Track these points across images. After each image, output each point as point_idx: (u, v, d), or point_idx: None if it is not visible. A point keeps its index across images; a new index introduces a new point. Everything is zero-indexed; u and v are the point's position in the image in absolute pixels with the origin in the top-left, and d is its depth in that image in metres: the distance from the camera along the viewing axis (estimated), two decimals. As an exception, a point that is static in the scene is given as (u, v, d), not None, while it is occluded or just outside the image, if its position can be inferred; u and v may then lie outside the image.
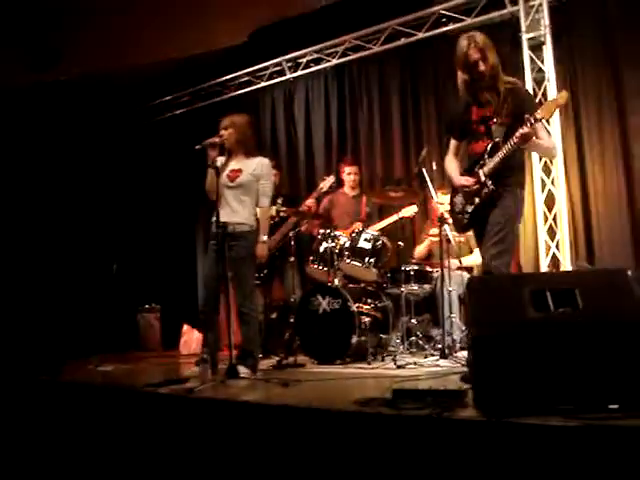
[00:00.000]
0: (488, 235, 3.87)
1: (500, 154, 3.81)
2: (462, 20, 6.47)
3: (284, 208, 6.34)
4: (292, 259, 5.93)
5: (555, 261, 5.94)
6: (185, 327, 7.66)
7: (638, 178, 5.67)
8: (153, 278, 8.79)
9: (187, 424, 3.72)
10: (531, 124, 3.64)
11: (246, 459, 3.28)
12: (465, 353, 5.13)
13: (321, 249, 5.79)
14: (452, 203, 4.27)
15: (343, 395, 3.74)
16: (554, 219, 5.96)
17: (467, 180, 4.04)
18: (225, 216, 4.77)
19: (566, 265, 5.81)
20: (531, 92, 5.53)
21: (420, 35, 6.76)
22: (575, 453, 2.38)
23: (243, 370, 4.58)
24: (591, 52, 5.91)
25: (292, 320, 5.71)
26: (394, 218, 6.07)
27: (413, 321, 5.52)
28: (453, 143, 4.30)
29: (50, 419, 4.46)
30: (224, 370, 4.51)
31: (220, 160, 4.93)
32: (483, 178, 3.90)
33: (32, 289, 8.01)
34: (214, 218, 4.75)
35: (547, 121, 3.81)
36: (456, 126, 4.24)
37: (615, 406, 2.55)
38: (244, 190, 4.88)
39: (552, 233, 5.96)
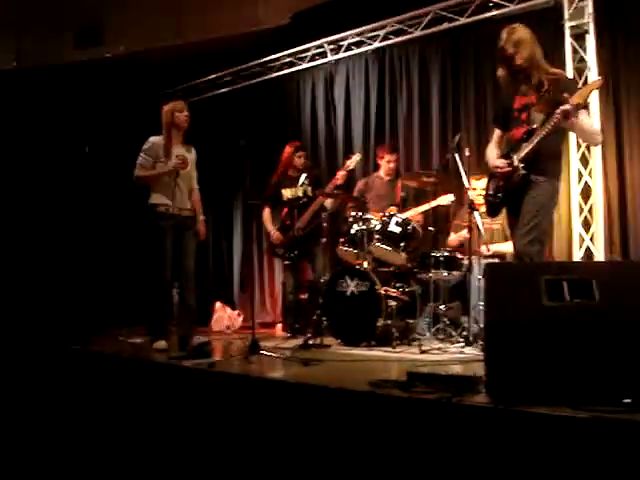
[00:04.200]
0: (521, 222, 3.91)
1: (536, 138, 3.83)
2: (505, 6, 6.37)
3: (309, 188, 6.38)
4: (324, 240, 5.97)
5: (589, 253, 5.85)
6: (217, 304, 7.77)
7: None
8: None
9: (206, 397, 3.81)
10: (571, 103, 3.63)
11: (260, 434, 3.35)
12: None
13: (352, 231, 5.80)
14: (487, 187, 4.30)
15: (360, 376, 3.78)
16: (589, 211, 5.87)
17: (501, 162, 4.06)
18: (182, 202, 5.26)
19: (599, 258, 5.73)
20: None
21: (462, 20, 6.66)
22: (583, 445, 2.38)
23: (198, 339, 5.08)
24: (635, 43, 5.76)
25: (320, 301, 5.75)
26: (429, 206, 6.05)
27: (441, 307, 5.50)
28: (497, 132, 4.40)
29: (78, 387, 4.59)
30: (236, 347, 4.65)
31: (160, 140, 5.26)
32: (516, 162, 3.93)
33: (65, 260, 8.20)
34: (167, 201, 5.14)
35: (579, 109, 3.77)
36: (500, 116, 4.30)
37: (628, 400, 2.54)
38: (188, 175, 5.31)
39: (587, 225, 5.87)
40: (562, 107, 3.68)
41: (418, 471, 2.78)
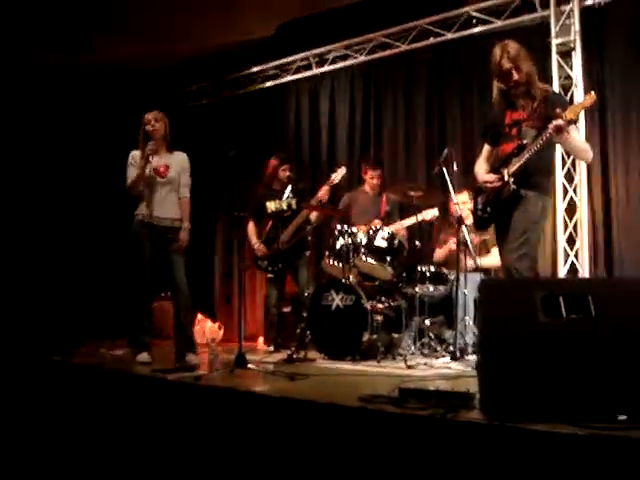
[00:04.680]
0: (511, 238, 3.90)
1: (527, 153, 3.83)
2: (492, 22, 6.41)
3: (294, 201, 6.34)
4: (308, 253, 5.93)
5: (573, 270, 5.87)
6: (199, 316, 7.69)
7: (663, 189, 5.61)
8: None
9: (193, 411, 3.73)
10: (563, 118, 3.63)
11: (248, 449, 3.29)
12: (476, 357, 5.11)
13: (337, 245, 5.76)
14: (475, 202, 4.29)
15: (348, 391, 3.73)
16: (574, 227, 5.89)
17: (490, 177, 4.05)
18: (161, 211, 5.08)
19: (584, 274, 5.75)
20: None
21: (449, 35, 6.71)
22: (580, 462, 2.35)
23: (194, 358, 4.90)
24: (620, 61, 5.82)
25: (305, 314, 5.70)
26: (413, 220, 6.03)
27: (426, 322, 5.48)
28: (486, 148, 4.38)
29: (60, 400, 4.49)
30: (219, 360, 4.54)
31: (137, 155, 5.11)
32: (506, 177, 3.92)
33: (48, 271, 8.07)
34: (144, 211, 5.04)
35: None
36: (490, 131, 4.28)
37: (624, 417, 2.51)
38: (173, 185, 5.13)
39: (571, 241, 5.89)
40: (555, 122, 3.68)
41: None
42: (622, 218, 5.76)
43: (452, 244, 5.88)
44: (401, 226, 6.12)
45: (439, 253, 6.24)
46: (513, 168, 3.92)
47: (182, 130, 8.75)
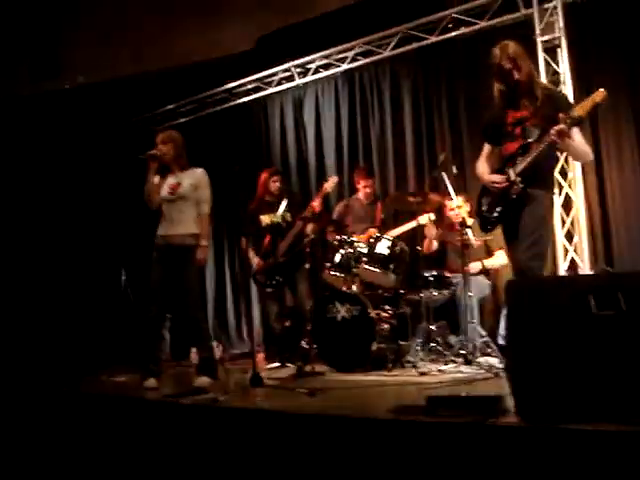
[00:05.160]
0: (522, 237, 3.87)
1: (532, 153, 3.82)
2: (475, 23, 6.41)
3: (289, 214, 6.28)
4: (307, 266, 5.88)
5: (573, 265, 5.87)
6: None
7: (656, 180, 5.64)
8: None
9: (213, 434, 3.65)
10: (566, 122, 3.62)
11: (281, 471, 3.21)
12: (487, 359, 5.08)
13: (338, 255, 5.72)
14: (479, 204, 4.26)
15: (375, 403, 3.70)
16: (572, 223, 5.90)
17: (497, 177, 4.04)
18: (171, 229, 4.99)
19: (585, 269, 5.75)
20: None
21: (432, 39, 6.69)
22: (626, 459, 2.32)
23: (205, 380, 4.76)
24: (607, 54, 5.84)
25: (308, 328, 5.63)
26: (411, 225, 5.99)
27: (432, 327, 5.44)
28: (486, 147, 4.36)
29: (73, 430, 4.38)
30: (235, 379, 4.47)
31: (156, 178, 5.06)
32: (513, 177, 3.92)
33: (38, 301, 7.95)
34: (159, 231, 5.03)
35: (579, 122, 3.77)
36: (491, 131, 4.26)
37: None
38: (185, 201, 5.01)
39: (570, 237, 5.90)
40: (557, 127, 3.67)
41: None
42: (618, 209, 5.77)
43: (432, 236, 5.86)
44: (398, 233, 6.09)
45: (426, 246, 6.14)
46: (519, 168, 3.91)
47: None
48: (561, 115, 3.67)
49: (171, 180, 5.04)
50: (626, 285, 2.75)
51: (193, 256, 4.93)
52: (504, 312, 5.86)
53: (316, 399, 3.85)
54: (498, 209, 4.08)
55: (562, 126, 3.64)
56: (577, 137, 3.85)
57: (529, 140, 3.90)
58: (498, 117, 4.18)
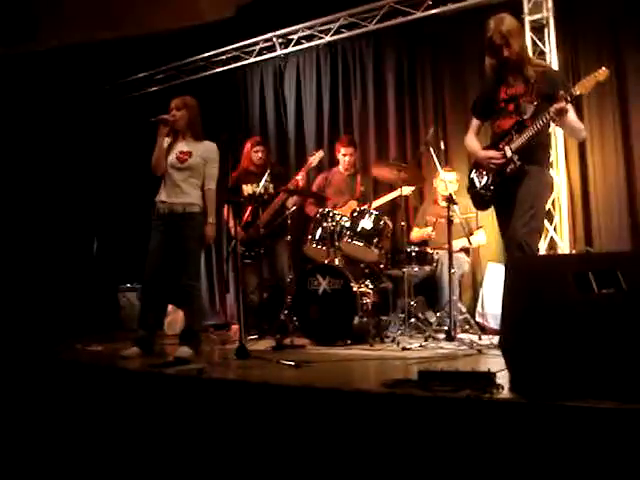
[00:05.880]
0: (518, 213, 3.84)
1: (530, 131, 3.82)
2: (463, 0, 6.36)
3: (271, 185, 6.21)
4: (288, 238, 5.84)
5: (552, 244, 5.92)
6: (170, 307, 7.47)
7: (637, 163, 5.68)
8: (134, 257, 8.57)
9: (199, 405, 3.60)
10: (567, 100, 3.62)
11: (267, 443, 3.18)
12: (467, 336, 5.12)
13: (320, 229, 5.68)
14: (470, 180, 4.23)
15: (363, 377, 3.69)
16: (552, 203, 5.93)
17: (494, 153, 4.00)
18: (174, 197, 4.85)
19: (564, 249, 5.80)
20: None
21: (418, 14, 6.62)
22: (627, 438, 2.33)
23: (185, 350, 4.60)
24: (593, 35, 5.86)
25: (289, 300, 5.60)
26: (393, 195, 5.97)
27: (412, 303, 5.45)
28: (475, 122, 4.33)
29: (52, 399, 4.30)
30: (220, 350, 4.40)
31: (166, 141, 4.93)
32: (509, 153, 3.90)
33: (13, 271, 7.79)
34: (160, 197, 4.88)
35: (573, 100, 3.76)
36: (481, 105, 4.24)
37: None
38: (193, 172, 4.89)
39: (550, 216, 5.93)
40: (557, 105, 3.66)
41: (449, 472, 2.69)
42: (599, 191, 5.83)
43: (430, 231, 5.88)
44: (379, 204, 6.08)
45: (417, 233, 6.21)
46: (515, 144, 3.90)
47: (138, 117, 8.62)
48: (561, 93, 3.66)
49: (181, 147, 4.90)
50: (626, 264, 2.77)
51: (195, 225, 4.83)
52: (483, 290, 5.95)
53: (303, 371, 3.81)
54: (493, 186, 4.07)
55: (562, 104, 3.64)
56: (571, 114, 3.85)
57: (524, 117, 3.89)
58: (489, 92, 4.15)
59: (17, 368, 4.70)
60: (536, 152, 3.92)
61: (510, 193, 3.92)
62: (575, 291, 2.70)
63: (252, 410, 3.35)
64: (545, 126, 3.82)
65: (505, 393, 2.79)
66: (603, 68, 3.71)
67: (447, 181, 5.50)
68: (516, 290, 2.87)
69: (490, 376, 2.98)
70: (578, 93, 3.66)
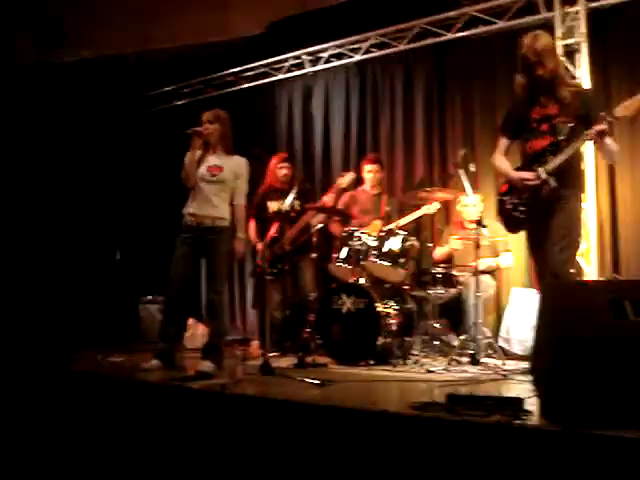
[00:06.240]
0: (555, 239, 3.78)
1: (566, 153, 3.75)
2: (494, 23, 6.35)
3: (298, 202, 6.19)
4: (314, 256, 5.81)
5: (579, 270, 5.84)
6: (190, 321, 7.46)
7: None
8: (156, 269, 8.57)
9: (221, 421, 3.57)
10: (608, 122, 3.57)
11: (290, 461, 3.14)
12: (491, 360, 5.04)
13: (346, 247, 5.65)
14: (501, 202, 4.17)
15: (389, 398, 3.65)
16: (581, 228, 5.86)
17: (529, 174, 3.94)
18: (204, 210, 4.84)
19: (591, 275, 5.72)
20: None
21: (449, 36, 6.61)
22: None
23: (208, 365, 4.57)
24: (626, 60, 5.81)
25: (312, 318, 5.57)
26: (418, 214, 5.95)
27: (437, 325, 5.40)
28: (504, 142, 4.25)
29: (63, 409, 4.29)
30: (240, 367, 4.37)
31: (197, 153, 4.93)
32: (544, 175, 3.83)
33: (34, 280, 7.81)
34: (189, 210, 4.86)
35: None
36: (511, 124, 4.17)
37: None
38: (223, 186, 4.88)
39: (577, 243, 5.86)
40: (598, 127, 3.61)
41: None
42: (628, 218, 5.74)
43: (459, 246, 5.82)
44: (404, 222, 6.05)
45: (440, 251, 6.15)
46: (551, 166, 3.83)
47: (164, 131, 8.67)
48: (602, 114, 3.61)
49: (213, 161, 4.91)
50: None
51: (224, 239, 4.83)
52: (507, 315, 5.88)
53: (327, 390, 3.77)
54: (526, 208, 4.00)
55: (604, 126, 3.59)
56: (608, 137, 3.81)
57: (560, 138, 3.83)
58: (520, 111, 4.10)
59: (36, 378, 4.68)
60: (571, 175, 3.87)
61: (543, 217, 3.86)
62: (611, 318, 2.66)
63: (275, 428, 3.32)
64: (580, 148, 3.77)
65: (535, 420, 2.74)
66: None
67: (470, 204, 5.47)
68: (550, 316, 2.83)
69: (520, 402, 2.94)
70: (620, 116, 3.60)
